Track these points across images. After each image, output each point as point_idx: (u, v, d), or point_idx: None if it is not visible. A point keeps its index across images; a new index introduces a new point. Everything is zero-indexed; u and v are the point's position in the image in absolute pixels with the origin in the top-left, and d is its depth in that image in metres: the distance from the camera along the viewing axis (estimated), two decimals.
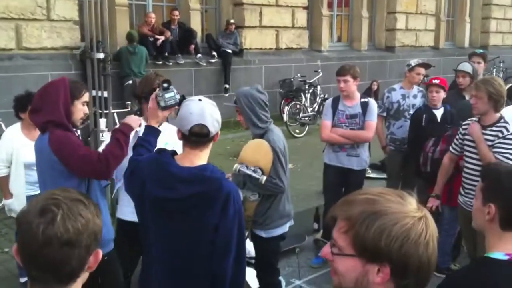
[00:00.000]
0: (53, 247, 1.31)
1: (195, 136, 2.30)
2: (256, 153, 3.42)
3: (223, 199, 2.25)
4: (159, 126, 2.91)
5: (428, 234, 1.23)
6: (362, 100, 4.85)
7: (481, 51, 6.57)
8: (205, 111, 2.30)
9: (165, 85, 2.78)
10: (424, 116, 5.07)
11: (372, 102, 4.89)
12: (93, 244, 1.39)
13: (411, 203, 1.26)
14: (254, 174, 3.29)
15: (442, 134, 4.71)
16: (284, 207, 3.67)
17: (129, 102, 8.28)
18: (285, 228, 3.71)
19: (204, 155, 2.36)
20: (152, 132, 2.79)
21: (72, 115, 2.97)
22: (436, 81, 5.04)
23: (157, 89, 2.86)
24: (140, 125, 3.19)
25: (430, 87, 5.10)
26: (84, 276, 1.43)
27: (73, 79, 3.23)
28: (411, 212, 1.23)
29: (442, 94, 5.04)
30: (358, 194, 1.29)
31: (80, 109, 3.02)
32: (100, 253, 1.44)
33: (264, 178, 3.31)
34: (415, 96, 5.52)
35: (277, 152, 3.46)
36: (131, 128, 3.11)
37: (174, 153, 2.40)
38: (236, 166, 3.31)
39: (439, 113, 5.08)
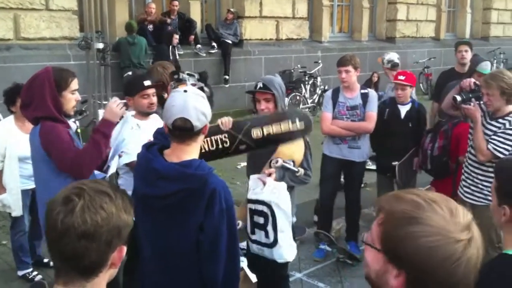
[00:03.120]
0: (71, 237, 1.27)
1: (179, 130, 2.17)
2: (292, 146, 3.29)
3: (207, 197, 2.13)
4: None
5: (463, 259, 1.13)
6: (362, 91, 4.82)
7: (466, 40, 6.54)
8: (188, 103, 2.14)
9: (176, 76, 2.76)
10: (387, 110, 4.96)
11: (372, 93, 4.87)
12: (115, 239, 1.33)
13: (460, 222, 1.16)
14: (293, 168, 3.23)
15: (438, 130, 4.61)
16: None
17: None
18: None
19: (192, 149, 2.23)
20: None
21: (63, 106, 2.92)
22: (402, 77, 4.85)
23: (171, 82, 2.84)
24: (121, 117, 3.06)
25: (395, 85, 4.95)
26: (110, 273, 1.38)
27: (59, 67, 3.08)
28: (450, 232, 1.14)
29: (409, 91, 4.88)
30: (410, 193, 1.23)
31: (70, 98, 2.95)
32: (125, 249, 1.38)
33: (302, 170, 3.27)
34: None
35: (307, 142, 3.41)
36: (111, 125, 2.98)
37: (165, 147, 2.30)
38: (275, 160, 3.20)
39: (404, 109, 4.93)
